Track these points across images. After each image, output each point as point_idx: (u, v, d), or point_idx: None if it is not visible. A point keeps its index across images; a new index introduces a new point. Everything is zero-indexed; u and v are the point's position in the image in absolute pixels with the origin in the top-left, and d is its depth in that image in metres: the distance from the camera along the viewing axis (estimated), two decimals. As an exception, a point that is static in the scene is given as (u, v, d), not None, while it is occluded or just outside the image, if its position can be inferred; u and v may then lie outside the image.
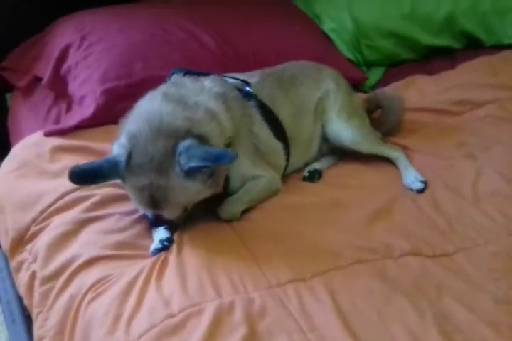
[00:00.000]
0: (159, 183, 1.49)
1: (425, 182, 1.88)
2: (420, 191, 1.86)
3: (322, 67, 2.09)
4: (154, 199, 1.51)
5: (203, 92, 1.68)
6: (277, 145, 1.83)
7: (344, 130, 1.97)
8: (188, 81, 1.73)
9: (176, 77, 1.78)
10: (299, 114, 1.94)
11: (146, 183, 1.49)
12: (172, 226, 1.60)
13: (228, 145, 1.66)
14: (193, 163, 1.46)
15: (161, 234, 1.60)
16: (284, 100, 1.90)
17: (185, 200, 1.55)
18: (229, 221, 1.66)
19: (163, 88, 1.69)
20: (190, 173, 1.49)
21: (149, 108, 1.59)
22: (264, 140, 1.79)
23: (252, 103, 1.80)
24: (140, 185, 1.50)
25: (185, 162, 1.47)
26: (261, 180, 1.74)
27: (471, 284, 1.51)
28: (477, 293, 1.48)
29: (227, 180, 1.68)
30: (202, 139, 1.52)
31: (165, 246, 1.56)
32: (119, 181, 1.57)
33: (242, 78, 1.86)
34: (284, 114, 1.88)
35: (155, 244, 1.57)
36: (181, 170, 1.48)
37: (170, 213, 1.56)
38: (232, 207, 1.67)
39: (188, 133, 1.50)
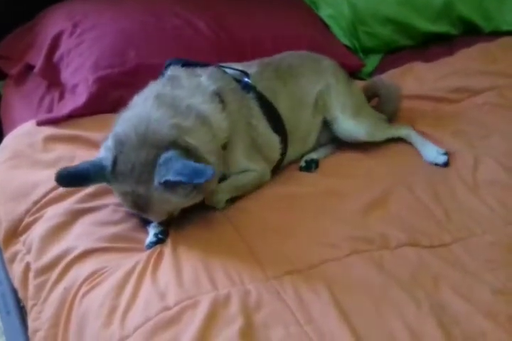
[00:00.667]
0: (139, 192, 1.48)
1: (447, 153, 1.88)
2: (446, 164, 1.87)
3: (321, 57, 2.06)
4: (138, 205, 1.52)
5: (198, 92, 1.64)
6: (274, 138, 1.81)
7: (354, 127, 1.95)
8: (184, 76, 1.69)
9: (173, 70, 1.74)
10: (297, 106, 1.92)
11: (129, 191, 1.49)
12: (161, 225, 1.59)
13: (225, 143, 1.64)
14: (170, 177, 1.44)
15: (155, 227, 1.58)
16: (282, 92, 1.87)
17: (167, 209, 1.54)
18: (214, 208, 1.64)
19: (157, 87, 1.65)
20: (169, 186, 1.47)
21: (140, 112, 1.56)
22: (261, 132, 1.76)
23: (251, 95, 1.77)
24: (123, 190, 1.51)
25: (162, 174, 1.45)
26: (251, 173, 1.72)
27: (469, 274, 1.50)
28: (474, 284, 1.47)
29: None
30: (188, 150, 1.49)
31: (160, 239, 1.55)
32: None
33: (240, 68, 1.82)
34: (283, 106, 1.85)
35: (150, 238, 1.56)
36: (159, 183, 1.46)
37: (155, 218, 1.56)
38: (221, 195, 1.65)
39: (173, 144, 1.47)
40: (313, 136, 1.98)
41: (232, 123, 1.66)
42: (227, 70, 1.81)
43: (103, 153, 1.53)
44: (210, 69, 1.76)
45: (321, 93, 1.96)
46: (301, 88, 1.93)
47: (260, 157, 1.75)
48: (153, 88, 1.66)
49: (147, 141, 1.48)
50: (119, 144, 1.50)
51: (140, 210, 1.54)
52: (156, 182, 1.46)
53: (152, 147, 1.47)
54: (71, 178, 1.51)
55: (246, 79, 1.79)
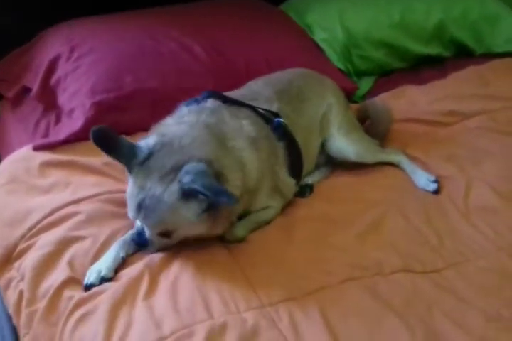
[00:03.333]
0: (155, 191, 1.48)
1: (438, 181, 1.90)
2: (436, 191, 1.88)
3: (323, 78, 2.09)
4: (143, 204, 1.50)
5: (240, 136, 1.67)
6: (291, 182, 1.83)
7: (346, 146, 1.98)
8: (227, 115, 1.71)
9: (213, 103, 1.75)
10: (308, 135, 1.95)
11: (145, 186, 1.49)
12: (149, 248, 1.58)
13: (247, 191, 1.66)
14: (193, 185, 1.45)
15: (106, 263, 1.56)
16: (298, 124, 1.89)
17: (170, 221, 1.52)
18: (228, 242, 1.64)
19: (203, 117, 1.67)
20: (186, 195, 1.48)
21: (189, 129, 1.60)
22: (281, 178, 1.79)
23: (280, 144, 1.79)
24: (140, 185, 1.50)
25: (186, 181, 1.46)
26: (271, 210, 1.75)
27: (462, 301, 1.51)
28: (468, 311, 1.48)
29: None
30: (219, 176, 1.51)
31: (101, 284, 1.52)
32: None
33: (265, 107, 1.83)
34: (299, 139, 1.87)
35: (93, 277, 1.53)
36: (180, 188, 1.47)
37: (152, 225, 1.53)
38: (239, 231, 1.66)
39: (208, 162, 1.50)
40: (315, 160, 2.01)
41: (261, 172, 1.69)
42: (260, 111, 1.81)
43: (142, 144, 1.54)
44: (247, 112, 1.76)
45: (324, 114, 1.99)
46: (310, 115, 1.96)
47: (278, 195, 1.78)
48: (198, 115, 1.68)
49: (187, 151, 1.52)
50: (160, 144, 1.53)
51: (141, 211, 1.51)
52: (177, 186, 1.47)
53: (189, 157, 1.50)
54: (106, 138, 1.52)
55: (278, 120, 1.81)
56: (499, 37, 2.71)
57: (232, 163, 1.60)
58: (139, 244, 1.58)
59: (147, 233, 1.55)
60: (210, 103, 1.75)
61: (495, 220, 1.77)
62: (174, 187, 1.47)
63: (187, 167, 1.48)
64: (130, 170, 1.54)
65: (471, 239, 1.72)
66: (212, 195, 1.44)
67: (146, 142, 1.56)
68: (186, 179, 1.46)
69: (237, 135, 1.67)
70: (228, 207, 1.55)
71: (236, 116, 1.72)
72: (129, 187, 1.55)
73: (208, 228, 1.56)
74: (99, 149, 1.86)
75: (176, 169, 1.49)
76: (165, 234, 1.55)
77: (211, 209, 1.51)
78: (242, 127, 1.70)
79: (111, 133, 1.53)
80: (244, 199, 1.64)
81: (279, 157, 1.79)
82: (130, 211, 1.55)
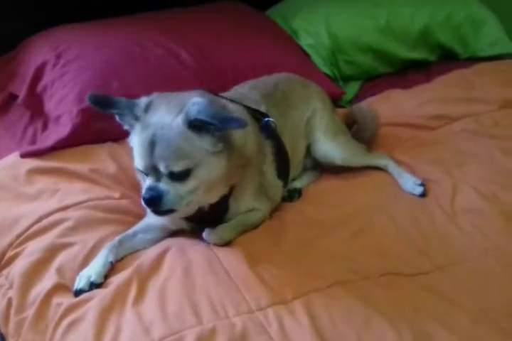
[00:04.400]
0: (164, 122, 1.49)
1: (424, 184, 1.91)
2: (423, 195, 1.90)
3: (308, 83, 2.10)
4: (155, 138, 1.49)
5: (239, 113, 1.70)
6: (279, 184, 1.84)
7: (332, 150, 1.99)
8: (222, 100, 1.72)
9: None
10: (294, 139, 1.96)
11: (152, 123, 1.50)
12: (163, 203, 1.51)
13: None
14: (200, 116, 1.47)
15: (95, 268, 1.56)
16: (285, 128, 1.91)
17: (187, 151, 1.50)
18: (214, 244, 1.65)
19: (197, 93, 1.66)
20: (196, 127, 1.49)
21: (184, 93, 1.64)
22: (268, 179, 1.79)
23: (268, 142, 1.80)
24: (148, 122, 1.51)
25: (193, 113, 1.48)
26: (258, 213, 1.75)
27: (449, 303, 1.52)
28: (455, 313, 1.49)
29: (226, 209, 1.69)
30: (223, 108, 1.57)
31: (90, 290, 1.52)
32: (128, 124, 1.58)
33: (253, 107, 1.84)
34: (286, 142, 1.88)
35: (83, 283, 1.53)
36: (187, 119, 1.49)
37: (167, 158, 1.49)
38: (226, 233, 1.66)
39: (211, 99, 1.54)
40: (301, 163, 2.02)
41: (256, 146, 1.70)
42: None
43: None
44: (239, 107, 1.76)
45: (309, 119, 2.01)
46: (296, 119, 1.98)
47: (266, 198, 1.78)
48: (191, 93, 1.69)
49: (188, 95, 1.57)
50: (158, 96, 1.58)
51: (157, 148, 1.48)
52: (184, 117, 1.48)
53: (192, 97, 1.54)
54: (102, 99, 1.57)
55: (267, 119, 1.81)
56: (483, 41, 2.75)
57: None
58: (151, 201, 1.52)
59: (162, 182, 1.51)
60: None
61: (481, 223, 1.79)
62: (182, 118, 1.49)
63: (192, 100, 1.51)
64: (133, 122, 1.55)
65: (458, 241, 1.73)
66: (219, 122, 1.46)
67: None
68: (192, 110, 1.49)
69: (234, 108, 1.68)
70: (240, 151, 1.59)
71: (230, 105, 1.72)
72: (137, 138, 1.54)
73: (226, 169, 1.56)
74: (86, 156, 1.89)
75: (182, 104, 1.51)
76: (183, 174, 1.51)
77: (224, 140, 1.53)
78: (237, 111, 1.70)
79: (105, 95, 1.58)
80: (238, 163, 1.63)
81: (267, 156, 1.79)
82: (142, 158, 1.51)
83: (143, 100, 1.57)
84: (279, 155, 1.83)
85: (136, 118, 1.54)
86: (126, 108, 1.56)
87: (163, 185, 1.51)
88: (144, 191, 1.53)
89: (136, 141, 1.55)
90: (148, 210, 1.59)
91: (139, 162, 1.54)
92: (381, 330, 1.43)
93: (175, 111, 1.51)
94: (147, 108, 1.54)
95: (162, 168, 1.50)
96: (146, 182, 1.54)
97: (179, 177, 1.51)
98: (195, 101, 1.51)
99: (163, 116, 1.51)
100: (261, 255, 1.62)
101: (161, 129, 1.50)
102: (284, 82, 2.03)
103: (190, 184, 1.52)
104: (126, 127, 1.61)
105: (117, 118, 1.60)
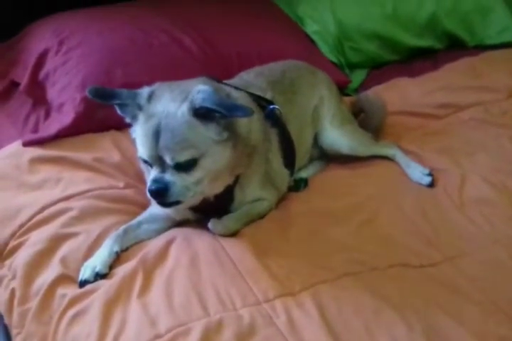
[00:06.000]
0: (169, 111, 1.47)
1: (432, 174, 1.89)
2: (431, 185, 1.87)
3: (316, 71, 2.07)
4: (160, 127, 1.46)
5: (243, 100, 1.66)
6: (285, 173, 1.81)
7: (339, 138, 1.96)
8: (226, 87, 1.68)
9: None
10: (301, 127, 1.93)
11: (157, 112, 1.47)
12: (169, 195, 1.49)
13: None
14: (205, 104, 1.45)
15: (100, 259, 1.54)
16: (291, 115, 1.87)
17: (193, 140, 1.47)
18: (220, 235, 1.62)
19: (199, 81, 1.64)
20: (201, 115, 1.47)
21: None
22: (274, 167, 1.77)
23: (273, 130, 1.76)
24: (152, 112, 1.48)
25: (198, 101, 1.46)
26: (264, 202, 1.72)
27: (459, 294, 1.51)
28: (464, 304, 1.48)
29: (231, 199, 1.66)
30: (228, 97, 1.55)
31: (95, 281, 1.50)
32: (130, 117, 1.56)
33: (258, 94, 1.80)
34: (292, 130, 1.85)
35: (88, 274, 1.51)
36: (192, 107, 1.46)
37: (173, 148, 1.46)
38: (231, 223, 1.64)
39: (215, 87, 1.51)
40: (309, 153, 1.99)
41: (262, 133, 1.68)
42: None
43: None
44: (243, 94, 1.73)
45: (316, 107, 1.98)
46: (303, 107, 1.94)
47: (272, 187, 1.75)
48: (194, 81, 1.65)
49: (191, 84, 1.54)
50: (160, 85, 1.56)
51: (162, 138, 1.45)
52: (189, 106, 1.46)
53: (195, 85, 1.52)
54: (102, 91, 1.55)
55: (272, 106, 1.78)
56: (491, 28, 2.70)
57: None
58: (158, 192, 1.49)
59: (167, 173, 1.48)
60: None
61: (490, 212, 1.77)
62: (187, 106, 1.47)
63: (197, 88, 1.49)
64: (136, 112, 1.52)
65: (467, 231, 1.71)
66: (225, 110, 1.44)
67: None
68: (197, 98, 1.46)
69: (239, 95, 1.66)
70: (245, 140, 1.57)
71: (234, 92, 1.68)
72: (141, 128, 1.51)
73: (231, 158, 1.53)
74: (89, 144, 1.86)
75: (186, 92, 1.49)
76: (189, 164, 1.48)
77: (230, 129, 1.50)
78: (241, 99, 1.67)
79: (105, 88, 1.57)
80: (244, 151, 1.60)
81: (272, 144, 1.76)
82: (147, 148, 1.49)
83: (145, 90, 1.54)
84: (284, 143, 1.80)
85: (140, 108, 1.51)
86: (129, 98, 1.53)
87: (169, 176, 1.48)
88: (149, 183, 1.50)
89: (140, 131, 1.52)
90: (153, 200, 1.57)
91: (143, 152, 1.51)
92: (390, 322, 1.41)
93: (179, 100, 1.48)
94: (150, 97, 1.51)
95: (168, 159, 1.47)
96: (151, 173, 1.51)
97: (185, 167, 1.48)
98: (200, 89, 1.48)
99: (167, 105, 1.48)
100: (268, 246, 1.60)
101: (166, 118, 1.47)
102: (291, 69, 2.00)
103: (196, 174, 1.50)
104: (128, 119, 1.57)
105: (119, 111, 1.57)
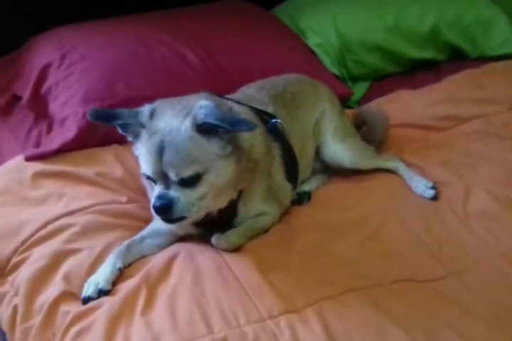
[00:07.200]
0: (172, 127, 1.47)
1: (435, 187, 1.89)
2: (434, 198, 1.87)
3: (317, 84, 2.07)
4: (164, 144, 1.45)
5: (245, 115, 1.67)
6: (288, 186, 1.81)
7: (341, 152, 1.96)
8: (228, 102, 1.69)
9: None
10: (303, 141, 1.93)
11: (160, 128, 1.47)
12: (173, 212, 1.48)
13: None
14: (208, 120, 1.45)
15: (103, 275, 1.54)
16: (293, 129, 1.87)
17: (196, 155, 1.47)
18: (223, 250, 1.62)
19: (201, 97, 1.63)
20: (204, 130, 1.47)
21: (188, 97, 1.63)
22: (277, 181, 1.76)
23: (276, 144, 1.76)
24: (155, 129, 1.48)
25: (200, 117, 1.46)
26: (267, 217, 1.72)
27: (464, 310, 1.50)
28: (470, 319, 1.47)
29: (234, 214, 1.66)
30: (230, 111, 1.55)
31: (98, 298, 1.50)
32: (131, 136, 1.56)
33: (260, 108, 1.81)
34: (294, 144, 1.84)
35: (91, 290, 1.51)
36: (195, 123, 1.46)
37: (177, 164, 1.45)
38: (235, 238, 1.63)
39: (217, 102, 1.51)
40: (311, 166, 1.99)
41: (264, 148, 1.68)
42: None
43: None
44: (246, 108, 1.73)
45: (317, 120, 1.97)
46: (304, 121, 1.94)
47: (275, 201, 1.75)
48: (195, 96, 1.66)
49: (193, 100, 1.54)
50: (161, 103, 1.56)
51: (167, 154, 1.45)
52: (192, 121, 1.46)
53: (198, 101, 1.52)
54: (103, 113, 1.55)
55: (274, 120, 1.78)
56: (493, 40, 2.71)
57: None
58: (162, 209, 1.48)
59: (171, 189, 1.47)
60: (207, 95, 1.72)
61: (494, 226, 1.76)
62: (189, 121, 1.47)
63: (199, 103, 1.49)
64: (138, 130, 1.51)
65: (471, 245, 1.70)
66: (228, 125, 1.44)
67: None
68: (200, 114, 1.47)
69: (241, 110, 1.66)
70: (248, 154, 1.57)
71: (236, 106, 1.68)
72: (144, 145, 1.50)
73: (235, 172, 1.53)
74: (92, 159, 1.85)
75: (188, 107, 1.49)
76: (193, 180, 1.48)
77: (233, 143, 1.51)
78: (243, 113, 1.67)
79: (106, 109, 1.57)
80: (247, 166, 1.60)
81: (275, 158, 1.76)
82: (151, 165, 1.48)
83: (146, 107, 1.54)
84: (287, 157, 1.79)
85: (142, 126, 1.51)
86: (130, 117, 1.52)
87: (174, 192, 1.48)
88: (153, 199, 1.49)
89: (143, 148, 1.52)
90: (156, 216, 1.56)
91: (147, 169, 1.51)
92: (395, 338, 1.40)
93: (181, 116, 1.49)
94: (152, 115, 1.51)
95: (172, 175, 1.47)
96: (156, 189, 1.51)
97: (189, 183, 1.48)
98: (202, 105, 1.49)
99: (170, 121, 1.48)
100: (271, 261, 1.59)
101: (169, 134, 1.47)
102: (293, 83, 2.00)
103: (200, 189, 1.50)
104: (130, 138, 1.57)
105: (120, 130, 1.57)
